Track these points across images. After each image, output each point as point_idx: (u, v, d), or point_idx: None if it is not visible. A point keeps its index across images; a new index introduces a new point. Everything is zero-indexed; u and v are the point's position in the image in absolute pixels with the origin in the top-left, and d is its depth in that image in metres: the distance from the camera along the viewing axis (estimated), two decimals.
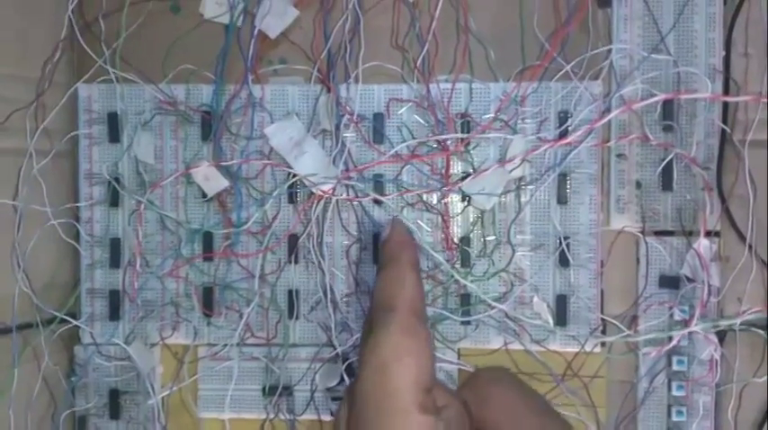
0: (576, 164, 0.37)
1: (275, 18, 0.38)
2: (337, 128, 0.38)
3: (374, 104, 0.38)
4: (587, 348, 0.38)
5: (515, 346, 0.38)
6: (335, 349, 0.38)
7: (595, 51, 0.37)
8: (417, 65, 0.38)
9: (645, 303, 0.38)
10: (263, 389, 0.39)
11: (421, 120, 0.38)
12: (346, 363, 0.38)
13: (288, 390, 0.39)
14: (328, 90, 0.38)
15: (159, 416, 0.39)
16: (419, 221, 0.38)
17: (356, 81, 0.38)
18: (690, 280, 0.37)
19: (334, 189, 0.37)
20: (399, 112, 0.38)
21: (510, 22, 0.38)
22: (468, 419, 0.27)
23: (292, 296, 0.39)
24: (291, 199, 0.39)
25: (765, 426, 0.37)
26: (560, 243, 0.37)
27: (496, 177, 0.37)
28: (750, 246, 0.36)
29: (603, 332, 0.38)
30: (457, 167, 0.38)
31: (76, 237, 0.40)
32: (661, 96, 0.35)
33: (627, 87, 0.37)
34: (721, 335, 0.37)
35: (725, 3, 0.37)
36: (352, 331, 0.38)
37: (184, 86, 0.39)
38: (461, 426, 0.26)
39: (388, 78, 0.38)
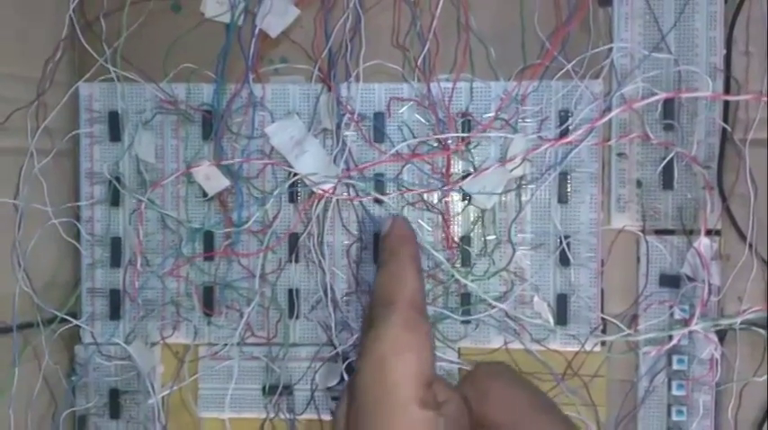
0: (577, 163, 0.37)
1: (276, 17, 0.38)
2: (338, 127, 0.38)
3: (375, 103, 0.38)
4: (587, 347, 0.38)
5: (516, 346, 0.38)
6: (336, 348, 0.38)
7: (596, 50, 0.37)
8: (418, 64, 0.38)
9: (645, 302, 0.38)
10: (264, 388, 0.39)
11: (422, 119, 0.38)
12: (346, 363, 0.38)
13: (288, 390, 0.39)
14: (329, 89, 0.38)
15: (159, 415, 0.39)
16: (420, 220, 0.38)
17: (357, 80, 0.38)
18: (690, 279, 0.37)
19: (334, 188, 0.37)
20: (400, 111, 0.38)
21: (511, 20, 0.38)
22: (468, 414, 0.26)
23: (293, 295, 0.39)
24: (292, 198, 0.39)
25: (766, 426, 0.37)
26: (561, 242, 0.37)
27: (497, 176, 0.37)
28: (751, 245, 0.36)
29: (604, 331, 0.38)
30: (457, 166, 0.38)
31: (77, 236, 0.40)
32: (662, 95, 0.35)
33: (628, 86, 0.37)
34: (721, 335, 0.37)
35: (726, 1, 0.37)
36: (352, 330, 0.38)
37: (185, 85, 0.39)
38: (462, 422, 0.26)
39: (389, 77, 0.38)
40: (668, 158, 0.37)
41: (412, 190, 0.38)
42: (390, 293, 0.28)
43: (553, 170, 0.37)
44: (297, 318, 0.39)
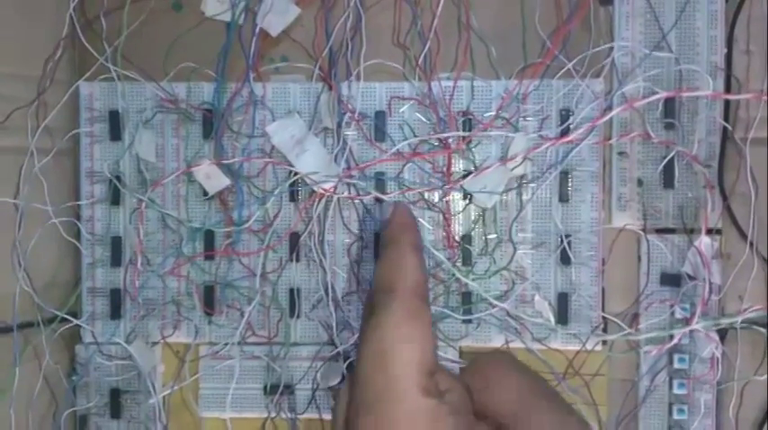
0: (578, 162, 0.37)
1: (277, 16, 0.38)
2: (339, 126, 0.38)
3: (376, 102, 0.38)
4: (588, 346, 0.38)
5: (517, 345, 0.38)
6: (337, 348, 0.38)
7: (597, 49, 0.37)
8: (419, 62, 0.38)
9: (646, 301, 0.38)
10: (265, 387, 0.39)
11: (422, 118, 0.38)
12: (347, 362, 0.38)
13: (289, 389, 0.39)
14: (330, 88, 0.38)
15: (160, 415, 0.39)
16: (421, 219, 0.38)
17: (358, 79, 0.38)
18: (691, 278, 0.37)
19: (335, 187, 0.37)
20: (401, 110, 0.38)
21: (511, 19, 0.38)
22: (470, 404, 0.26)
23: (293, 294, 0.39)
24: (293, 197, 0.39)
25: (766, 425, 0.37)
26: (562, 241, 0.37)
27: (498, 175, 0.37)
28: (751, 244, 0.36)
29: (605, 330, 0.38)
30: (458, 165, 0.38)
31: (77, 235, 0.40)
32: (663, 94, 0.35)
33: (628, 85, 0.37)
34: (722, 333, 0.37)
35: (726, 0, 0.37)
36: (353, 329, 0.38)
37: (186, 84, 0.39)
38: (464, 411, 0.25)
39: (390, 76, 0.38)
40: (669, 157, 0.37)
41: (413, 189, 0.38)
42: (391, 281, 0.28)
43: (554, 169, 0.37)
44: (298, 317, 0.39)
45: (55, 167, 0.39)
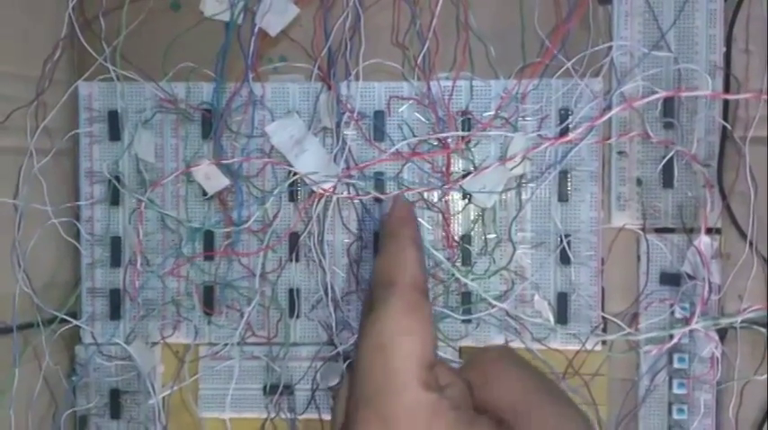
0: (577, 161, 0.37)
1: (275, 16, 0.38)
2: (338, 125, 0.38)
3: (375, 102, 0.38)
4: (588, 346, 0.38)
5: (516, 344, 0.38)
6: (336, 348, 0.38)
7: (596, 48, 0.37)
8: (418, 62, 0.38)
9: (646, 301, 0.38)
10: (264, 388, 0.39)
11: (422, 118, 0.38)
12: (347, 362, 0.38)
13: (289, 389, 0.39)
14: (329, 88, 0.38)
15: (160, 415, 0.39)
16: (420, 220, 0.38)
17: (357, 79, 0.38)
18: (691, 277, 0.37)
19: (334, 187, 0.37)
20: (400, 110, 0.38)
21: (510, 19, 0.38)
22: (471, 399, 0.26)
23: (293, 294, 0.39)
24: (292, 197, 0.39)
25: (766, 424, 0.37)
26: (561, 241, 0.37)
27: (497, 175, 0.37)
28: (751, 243, 0.36)
29: (604, 330, 0.38)
30: (458, 165, 0.38)
31: (77, 235, 0.40)
32: (662, 94, 0.35)
33: (627, 84, 0.37)
34: (722, 333, 0.37)
35: None
36: (352, 330, 0.38)
37: (185, 84, 0.39)
38: (465, 406, 0.25)
39: (389, 76, 0.38)
40: (668, 157, 0.37)
41: (412, 189, 0.38)
42: (391, 275, 0.27)
43: (553, 168, 0.37)
44: (297, 317, 0.39)
45: (54, 168, 0.39)
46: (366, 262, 0.38)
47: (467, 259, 0.38)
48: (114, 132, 0.39)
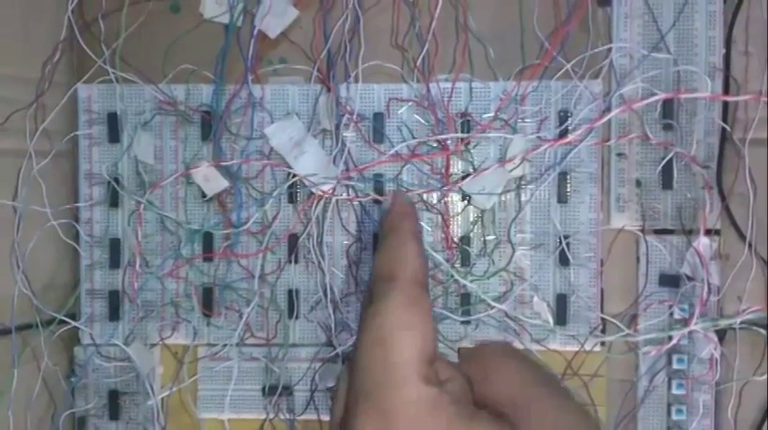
0: (577, 163, 0.37)
1: (275, 18, 0.38)
2: (337, 127, 0.38)
3: (374, 104, 0.38)
4: (587, 347, 0.38)
5: (515, 346, 0.38)
6: (335, 349, 0.38)
7: (595, 50, 0.37)
8: (417, 64, 0.38)
9: (645, 302, 0.38)
10: (263, 389, 0.39)
11: (421, 120, 0.38)
12: (346, 363, 0.38)
13: (288, 390, 0.39)
14: (328, 90, 0.38)
15: (159, 416, 0.39)
16: (419, 221, 0.38)
17: (356, 80, 0.38)
18: (690, 278, 0.37)
19: (334, 189, 0.37)
20: (399, 112, 0.38)
21: (510, 20, 0.38)
22: (471, 394, 0.26)
23: (292, 296, 0.39)
24: (291, 199, 0.39)
25: (765, 425, 0.37)
26: (560, 242, 0.37)
27: (496, 177, 0.37)
28: (750, 245, 0.36)
29: (603, 331, 0.38)
30: (457, 167, 0.38)
31: (76, 237, 0.40)
32: (661, 96, 0.35)
33: (627, 86, 0.37)
34: (721, 334, 0.37)
35: (725, 1, 0.37)
36: (351, 331, 0.38)
37: (184, 86, 0.39)
38: (465, 401, 0.25)
39: (388, 78, 0.38)
40: (667, 158, 0.37)
41: (411, 190, 0.38)
42: (391, 269, 0.27)
43: (552, 170, 0.37)
44: (296, 318, 0.39)
45: (53, 169, 0.39)
46: (365, 263, 0.38)
47: (466, 260, 0.38)
48: (114, 134, 0.39)
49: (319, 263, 0.38)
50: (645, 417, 0.38)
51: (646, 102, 0.35)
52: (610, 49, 0.37)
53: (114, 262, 0.40)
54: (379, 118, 0.38)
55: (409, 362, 0.24)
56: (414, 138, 0.38)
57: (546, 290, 0.38)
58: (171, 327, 0.40)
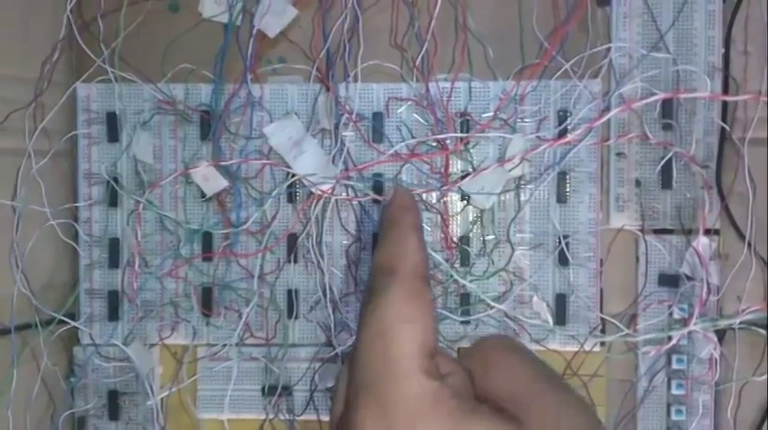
0: (576, 162, 0.37)
1: (274, 17, 0.38)
2: (336, 127, 0.38)
3: (373, 103, 0.38)
4: (587, 347, 0.38)
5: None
6: (335, 349, 0.38)
7: (595, 50, 0.37)
8: (416, 64, 0.38)
9: (644, 302, 0.38)
10: (263, 389, 0.39)
11: (420, 119, 0.38)
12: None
13: (287, 390, 0.39)
14: (327, 89, 0.38)
15: (158, 416, 0.39)
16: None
17: (355, 80, 0.38)
18: (689, 278, 0.37)
19: (333, 188, 0.37)
20: (398, 111, 0.38)
21: (509, 20, 0.38)
22: (472, 388, 0.26)
23: (291, 296, 0.39)
24: (291, 198, 0.39)
25: (765, 425, 0.37)
26: (560, 242, 0.37)
27: (496, 176, 0.37)
28: (749, 245, 0.36)
29: (603, 331, 0.38)
30: (456, 166, 0.38)
31: (75, 237, 0.40)
32: (660, 95, 0.35)
33: (626, 86, 0.37)
34: (721, 334, 0.37)
35: (724, 0, 0.37)
36: (351, 331, 0.38)
37: (183, 86, 0.39)
38: (466, 395, 0.25)
39: (388, 77, 0.38)
40: (667, 158, 0.37)
41: (411, 190, 0.37)
42: (391, 262, 0.27)
43: (552, 170, 0.37)
44: (296, 318, 0.39)
45: (52, 169, 0.39)
46: (365, 263, 0.38)
47: (465, 260, 0.38)
48: (113, 134, 0.39)
49: (319, 262, 0.38)
50: (644, 418, 0.38)
51: (645, 101, 0.35)
52: (609, 49, 0.37)
53: (113, 261, 0.40)
54: (378, 117, 0.38)
55: (410, 356, 0.24)
56: (413, 137, 0.38)
57: (545, 289, 0.38)
58: (170, 327, 0.40)
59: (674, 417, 0.37)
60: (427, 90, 0.37)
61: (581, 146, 0.37)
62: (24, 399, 0.38)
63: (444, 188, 0.38)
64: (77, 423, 0.40)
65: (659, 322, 0.37)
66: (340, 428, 0.25)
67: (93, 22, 0.39)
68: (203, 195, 0.39)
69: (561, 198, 0.38)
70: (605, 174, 0.38)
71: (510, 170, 0.37)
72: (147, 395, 0.39)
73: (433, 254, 0.37)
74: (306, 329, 0.39)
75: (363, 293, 0.29)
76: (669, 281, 0.37)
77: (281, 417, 0.39)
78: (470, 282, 0.38)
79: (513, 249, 0.38)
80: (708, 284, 0.36)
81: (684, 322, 0.37)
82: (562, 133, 0.37)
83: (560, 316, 0.38)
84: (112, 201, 0.39)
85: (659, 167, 0.37)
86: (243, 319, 0.38)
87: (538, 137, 0.37)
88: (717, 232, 0.37)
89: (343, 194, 0.38)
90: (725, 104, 0.37)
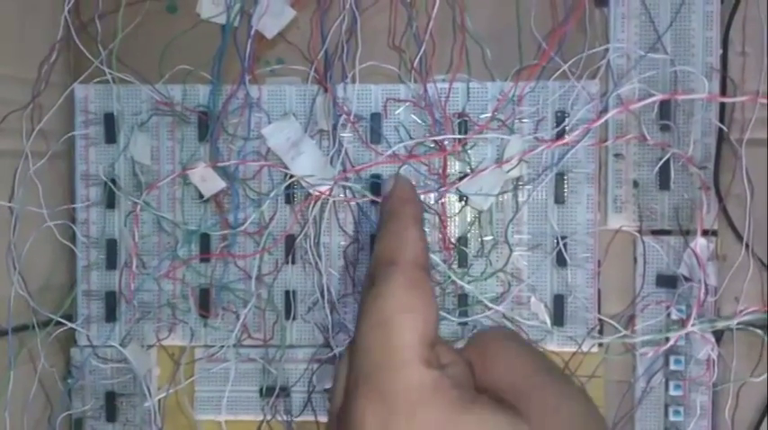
0: (574, 163, 0.37)
1: (272, 18, 0.38)
2: (334, 128, 0.38)
3: (371, 104, 0.38)
4: (584, 348, 0.38)
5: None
6: (333, 350, 0.38)
7: (592, 50, 0.37)
8: (414, 65, 0.38)
9: (642, 303, 0.38)
10: (260, 390, 0.39)
11: (418, 120, 0.38)
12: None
13: (285, 391, 0.39)
14: (325, 90, 0.38)
15: (156, 418, 0.39)
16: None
17: (353, 81, 0.38)
18: (687, 279, 0.37)
19: (331, 190, 0.37)
20: (396, 112, 0.38)
21: (507, 21, 0.38)
22: (472, 379, 0.26)
23: (289, 297, 0.39)
24: (288, 199, 0.39)
25: (762, 426, 0.37)
26: (557, 243, 0.37)
27: (494, 177, 0.37)
28: (747, 245, 0.36)
29: (601, 332, 0.38)
30: (454, 167, 0.38)
31: (73, 238, 0.40)
32: (658, 96, 0.35)
33: (624, 86, 0.37)
34: (718, 335, 0.37)
35: (722, 1, 0.37)
36: (349, 332, 0.38)
37: (181, 87, 0.39)
38: (466, 385, 0.25)
39: (386, 78, 0.38)
40: (665, 159, 0.37)
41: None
42: (392, 253, 0.27)
43: (550, 171, 0.37)
44: (293, 319, 0.39)
45: (50, 170, 0.39)
46: (362, 264, 0.38)
47: (463, 261, 0.38)
48: (110, 135, 0.39)
49: (316, 263, 0.38)
50: (642, 418, 0.38)
51: (643, 102, 0.35)
52: (607, 50, 0.37)
53: (111, 263, 0.39)
54: (376, 118, 0.38)
55: (410, 345, 0.24)
56: (411, 138, 0.38)
57: (543, 290, 0.38)
58: (168, 329, 0.39)
59: (671, 418, 0.38)
60: (425, 91, 0.37)
61: (579, 147, 0.37)
62: (21, 401, 0.38)
63: (442, 189, 0.38)
64: (75, 424, 0.40)
65: (657, 323, 0.38)
66: (340, 418, 0.25)
67: (91, 22, 0.39)
68: (201, 196, 0.38)
69: (559, 199, 0.38)
70: (603, 175, 0.38)
71: (508, 171, 0.37)
72: (144, 396, 0.39)
73: (431, 255, 0.37)
74: (303, 330, 0.39)
75: (364, 283, 0.29)
76: (667, 282, 0.37)
77: (279, 418, 0.39)
78: (468, 282, 0.38)
79: (510, 250, 0.38)
80: (705, 285, 0.36)
81: (682, 323, 0.37)
82: (560, 134, 0.37)
83: (558, 317, 0.38)
84: (110, 202, 0.39)
85: (657, 168, 0.37)
86: (240, 320, 0.38)
87: (536, 138, 0.37)
88: (714, 233, 0.37)
89: (341, 195, 0.38)
90: (723, 105, 0.37)
